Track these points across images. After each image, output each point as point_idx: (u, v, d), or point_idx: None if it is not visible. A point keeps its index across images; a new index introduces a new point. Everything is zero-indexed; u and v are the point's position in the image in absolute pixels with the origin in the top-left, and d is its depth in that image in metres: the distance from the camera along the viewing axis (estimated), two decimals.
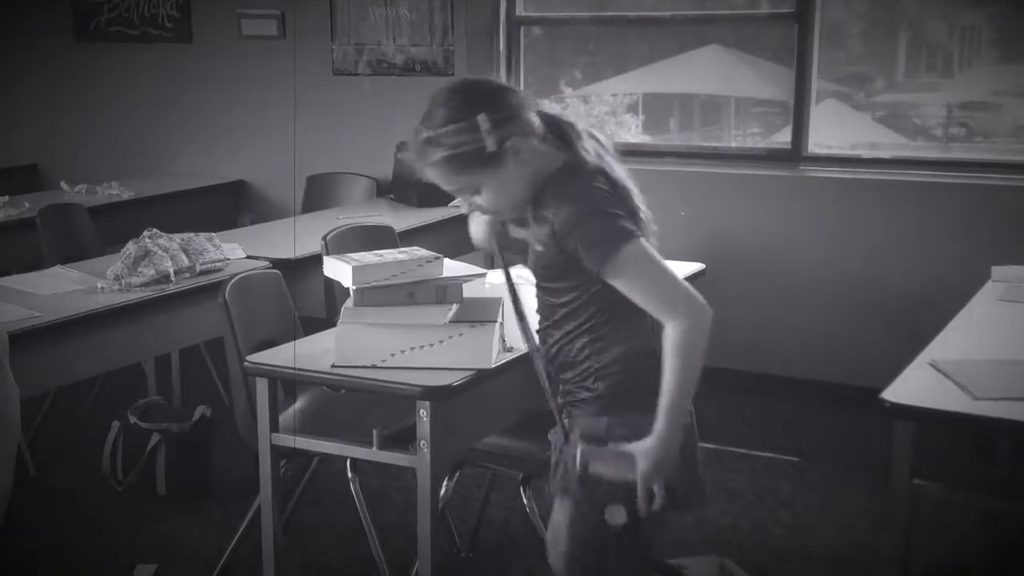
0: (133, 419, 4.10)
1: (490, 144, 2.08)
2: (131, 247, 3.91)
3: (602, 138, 2.25)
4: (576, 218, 2.09)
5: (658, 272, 2.09)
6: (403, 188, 5.66)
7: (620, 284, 2.10)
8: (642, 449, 2.08)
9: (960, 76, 5.29)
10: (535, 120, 2.17)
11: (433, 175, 2.16)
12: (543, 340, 2.31)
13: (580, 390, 2.24)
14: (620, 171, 2.21)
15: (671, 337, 2.06)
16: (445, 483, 3.26)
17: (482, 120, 2.08)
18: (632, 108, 5.99)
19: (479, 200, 2.19)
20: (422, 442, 2.69)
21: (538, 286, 2.30)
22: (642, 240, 2.09)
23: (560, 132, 2.19)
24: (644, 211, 2.19)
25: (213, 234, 4.24)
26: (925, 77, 5.40)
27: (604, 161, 2.19)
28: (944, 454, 2.92)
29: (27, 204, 5.36)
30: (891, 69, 5.35)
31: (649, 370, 2.13)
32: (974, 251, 4.54)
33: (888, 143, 5.28)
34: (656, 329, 2.12)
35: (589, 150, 2.18)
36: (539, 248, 2.20)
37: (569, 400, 2.27)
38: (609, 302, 2.18)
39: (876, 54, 5.34)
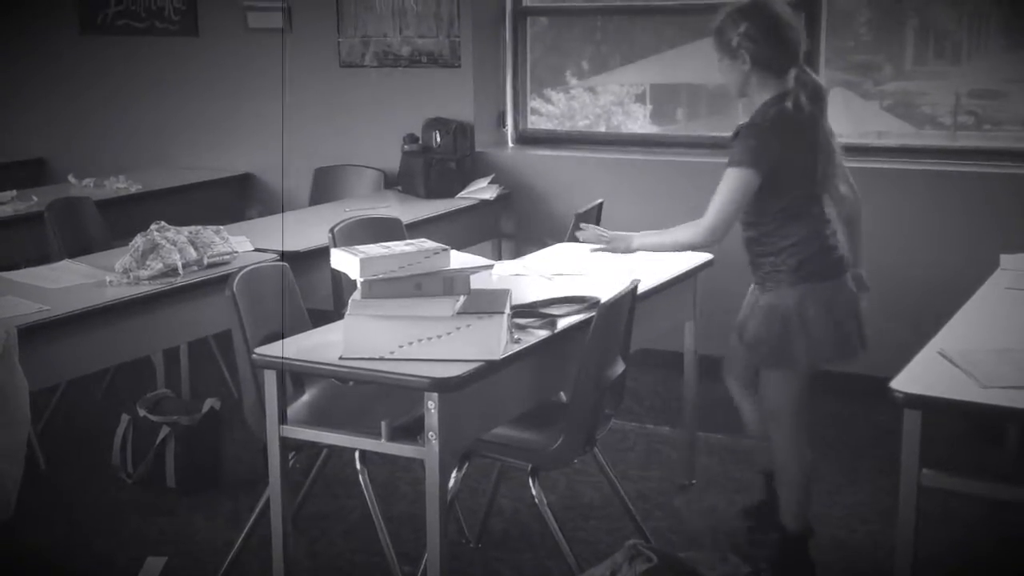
0: (142, 412, 4.11)
1: (735, 41, 3.11)
2: (139, 240, 3.92)
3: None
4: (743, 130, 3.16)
5: (726, 194, 3.08)
6: (410, 180, 5.65)
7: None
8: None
9: (968, 64, 5.28)
10: (781, 62, 3.12)
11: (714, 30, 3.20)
12: None
13: None
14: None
15: (688, 228, 3.21)
16: (454, 474, 3.26)
17: (745, 27, 3.10)
18: (639, 98, 5.98)
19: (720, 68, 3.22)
20: (430, 433, 2.69)
21: None
22: (748, 171, 3.04)
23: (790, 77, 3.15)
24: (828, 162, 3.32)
25: (221, 227, 4.25)
26: (933, 65, 5.39)
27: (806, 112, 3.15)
28: (952, 443, 2.91)
29: (35, 198, 5.36)
30: (899, 57, 5.33)
31: None
32: (982, 239, 4.52)
33: (896, 132, 5.27)
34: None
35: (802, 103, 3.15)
36: None
37: None
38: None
39: (884, 42, 5.33)
